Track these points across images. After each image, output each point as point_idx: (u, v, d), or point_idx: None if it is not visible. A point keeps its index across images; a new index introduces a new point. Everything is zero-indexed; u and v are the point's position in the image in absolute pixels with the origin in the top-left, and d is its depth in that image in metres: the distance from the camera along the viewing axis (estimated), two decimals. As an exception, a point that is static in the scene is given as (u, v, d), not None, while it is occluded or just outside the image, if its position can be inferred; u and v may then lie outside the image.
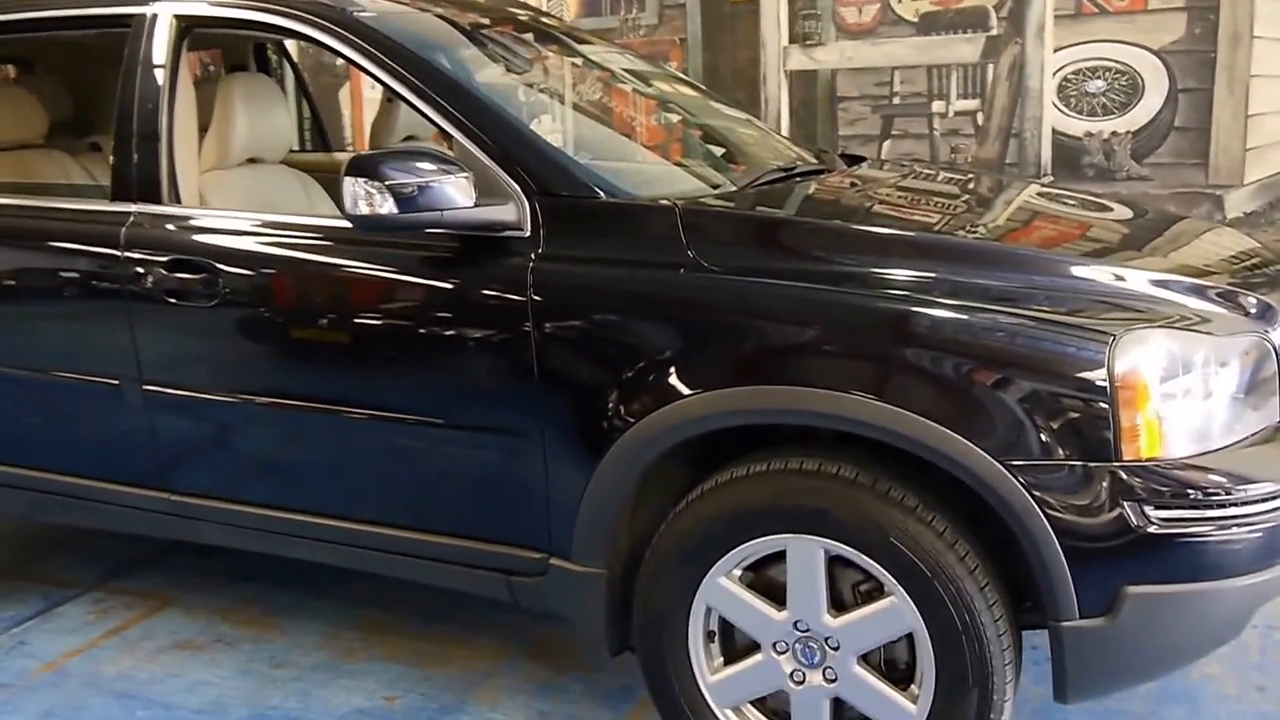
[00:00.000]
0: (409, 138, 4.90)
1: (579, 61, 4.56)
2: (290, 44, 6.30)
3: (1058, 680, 2.85)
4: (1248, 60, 6.33)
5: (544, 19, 4.83)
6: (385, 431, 3.46)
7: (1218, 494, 2.68)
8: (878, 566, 2.89)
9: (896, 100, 7.20)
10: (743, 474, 3.03)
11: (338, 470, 3.61)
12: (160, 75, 3.75)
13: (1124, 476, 2.66)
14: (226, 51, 5.80)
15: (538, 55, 4.44)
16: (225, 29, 4.00)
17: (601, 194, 3.26)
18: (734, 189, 3.69)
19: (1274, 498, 2.72)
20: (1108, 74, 6.65)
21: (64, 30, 4.20)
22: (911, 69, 7.12)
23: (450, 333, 3.30)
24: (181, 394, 3.72)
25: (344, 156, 4.13)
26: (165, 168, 3.73)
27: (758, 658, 3.13)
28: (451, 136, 3.38)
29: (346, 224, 3.22)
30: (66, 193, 4.71)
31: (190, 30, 3.81)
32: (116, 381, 3.78)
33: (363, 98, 8.42)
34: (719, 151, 4.54)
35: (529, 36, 4.41)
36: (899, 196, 3.85)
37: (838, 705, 3.09)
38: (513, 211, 3.22)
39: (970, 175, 4.41)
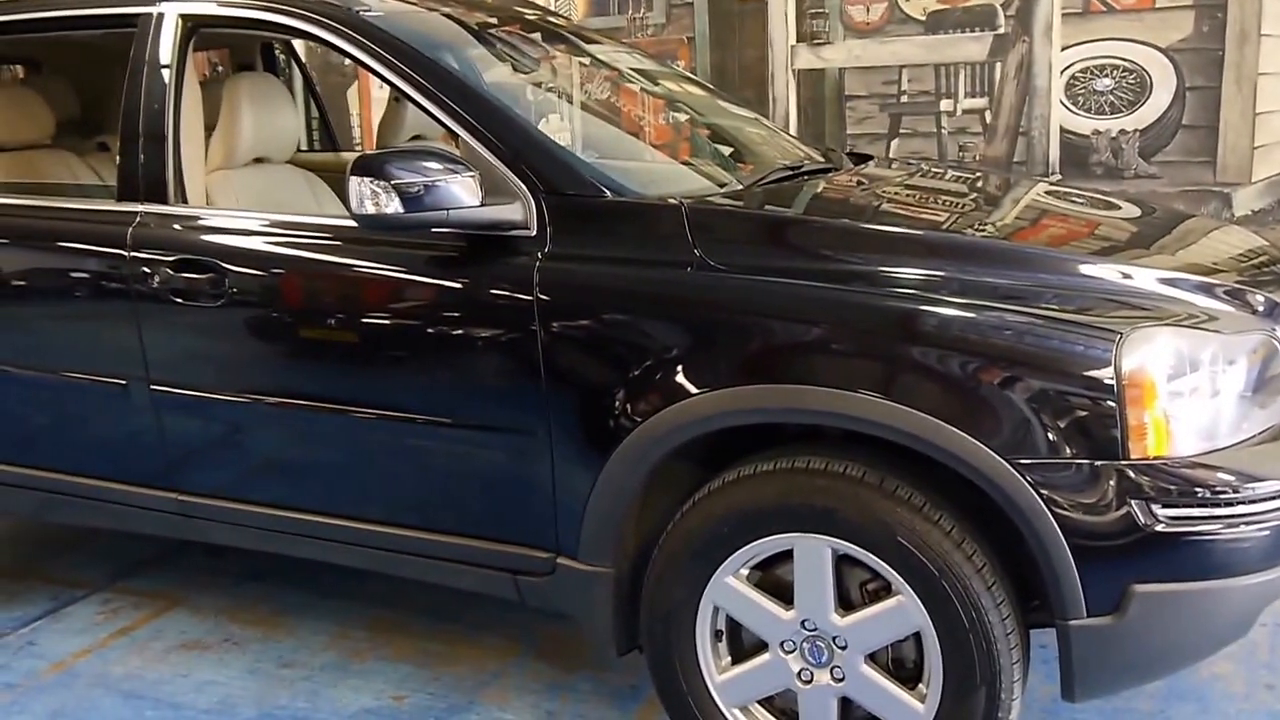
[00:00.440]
0: (416, 137, 4.91)
1: (586, 61, 4.56)
2: (298, 44, 6.30)
3: (1065, 679, 2.84)
4: (1256, 58, 6.32)
5: (551, 18, 4.82)
6: (392, 431, 3.46)
7: (1225, 492, 2.67)
8: (885, 565, 2.89)
9: (904, 99, 7.19)
10: (750, 473, 3.02)
11: (345, 470, 3.61)
12: (166, 75, 3.75)
13: (1131, 475, 2.66)
14: (234, 51, 5.80)
15: (545, 54, 4.44)
16: (231, 28, 3.99)
17: (608, 193, 3.25)
18: (741, 188, 3.69)
19: (1282, 496, 2.71)
20: (1116, 72, 6.64)
21: (70, 30, 4.21)
22: (919, 67, 7.11)
23: (457, 332, 3.30)
24: (189, 394, 3.72)
25: (351, 156, 4.13)
26: (172, 167, 3.73)
27: (765, 657, 3.13)
28: (458, 136, 3.38)
29: (353, 224, 3.23)
30: (73, 193, 4.71)
31: (196, 30, 3.81)
32: (124, 381, 3.79)
33: (370, 97, 8.42)
34: (727, 150, 4.53)
35: (536, 36, 4.41)
36: (907, 195, 3.84)
37: (845, 704, 3.08)
38: (519, 211, 3.22)
39: (978, 174, 4.41)
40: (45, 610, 4.59)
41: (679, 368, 3.02)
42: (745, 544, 3.04)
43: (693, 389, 2.99)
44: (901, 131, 7.21)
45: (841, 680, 3.04)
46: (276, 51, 5.85)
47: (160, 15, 3.80)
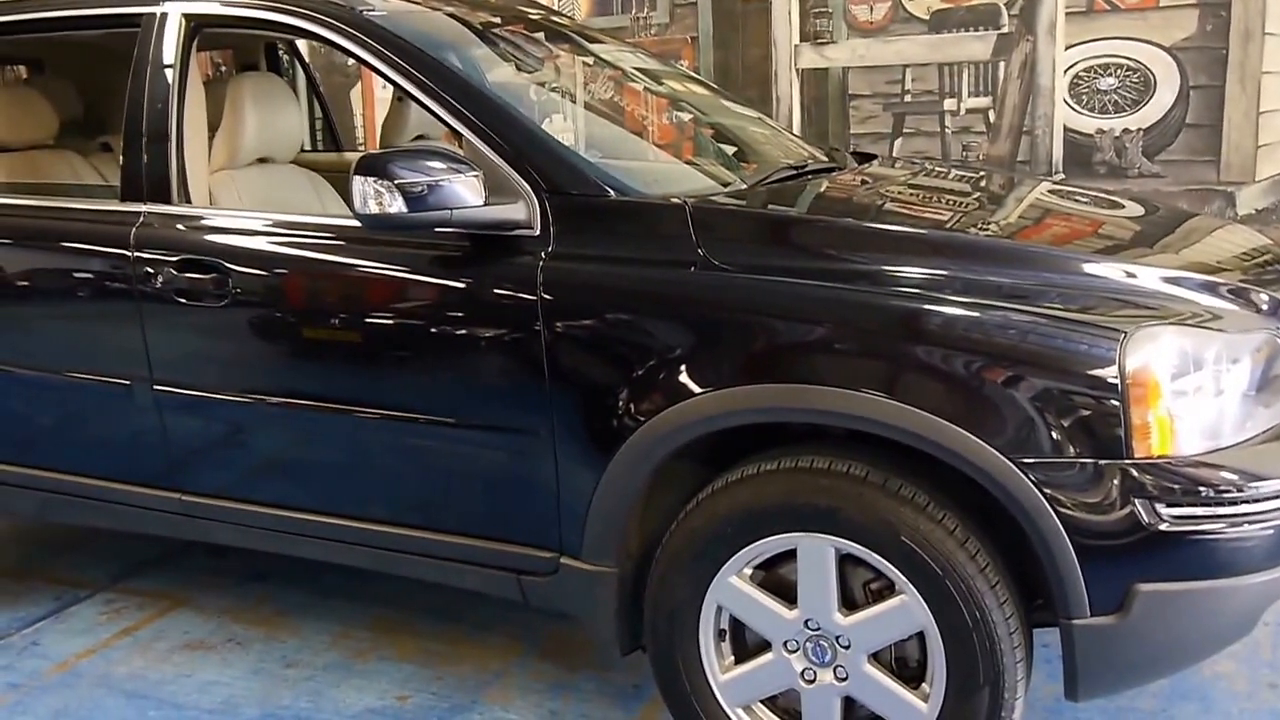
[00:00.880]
0: (419, 137, 4.91)
1: (590, 60, 4.56)
2: (302, 44, 6.30)
3: (1068, 678, 2.84)
4: (1259, 57, 6.31)
5: (555, 18, 4.82)
6: (395, 431, 3.46)
7: (1229, 491, 2.67)
8: (888, 565, 2.89)
9: (908, 98, 7.19)
10: (753, 472, 3.02)
11: (348, 469, 3.61)
12: (170, 75, 3.75)
13: (1135, 474, 2.65)
14: (238, 51, 5.80)
15: (549, 54, 4.43)
16: (235, 28, 3.99)
17: (612, 192, 3.25)
18: (744, 187, 3.69)
19: (1285, 495, 2.71)
20: (1119, 71, 6.63)
21: (73, 30, 4.21)
22: (923, 67, 7.11)
23: (460, 332, 3.30)
24: (192, 394, 3.72)
25: (355, 156, 4.13)
26: (175, 167, 3.73)
27: (769, 656, 3.13)
28: (461, 135, 3.38)
29: (356, 224, 3.23)
30: (77, 193, 4.71)
31: (200, 30, 3.81)
32: (127, 382, 3.79)
33: (374, 97, 8.43)
34: (730, 150, 4.53)
35: (540, 35, 4.41)
36: (910, 194, 3.84)
37: (849, 704, 3.08)
38: (523, 210, 3.22)
39: (982, 173, 4.40)
40: (49, 610, 4.60)
41: (682, 367, 3.02)
42: (749, 543, 3.04)
43: (696, 388, 2.99)
44: (905, 131, 7.21)
45: (845, 680, 3.04)
46: (280, 52, 5.86)
47: (163, 15, 3.80)
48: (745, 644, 3.20)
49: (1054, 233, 3.55)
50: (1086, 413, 2.67)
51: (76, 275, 3.88)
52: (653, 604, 3.22)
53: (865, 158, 4.45)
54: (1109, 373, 2.65)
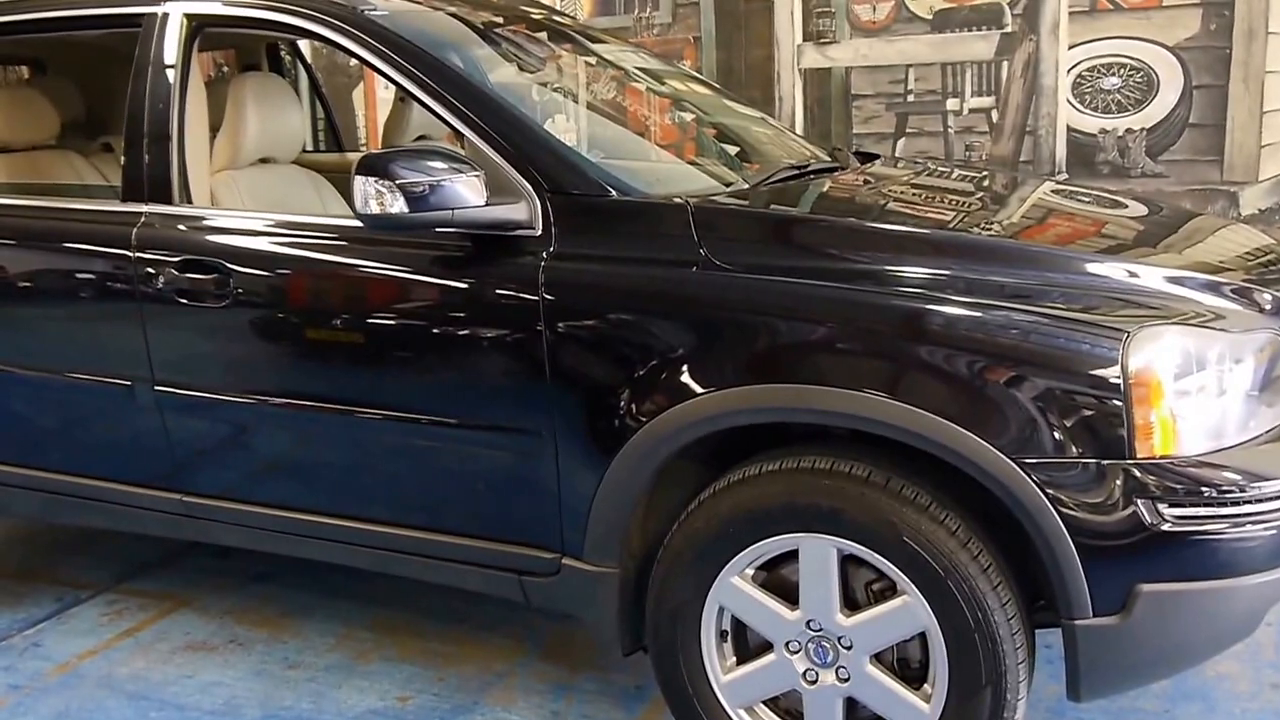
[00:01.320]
0: (421, 137, 4.91)
1: (593, 60, 4.56)
2: (304, 44, 6.30)
3: (1071, 678, 2.84)
4: (1263, 56, 6.31)
5: (557, 18, 4.82)
6: (397, 431, 3.45)
7: (1232, 491, 2.66)
8: (890, 565, 2.88)
9: (911, 98, 7.19)
10: (755, 473, 3.02)
11: (349, 470, 3.61)
12: (171, 75, 3.75)
13: (1138, 474, 2.65)
14: (240, 52, 5.81)
15: (551, 54, 4.43)
16: (236, 28, 3.99)
17: (613, 192, 3.25)
18: (746, 187, 3.68)
19: (1288, 495, 2.70)
20: (1123, 70, 6.62)
21: (74, 30, 4.21)
22: (926, 66, 7.10)
23: (462, 332, 3.30)
24: (193, 395, 3.71)
25: (357, 156, 4.13)
26: (176, 168, 3.73)
27: (770, 657, 3.12)
28: (463, 135, 3.37)
29: (358, 224, 3.22)
30: (78, 193, 4.71)
31: (201, 30, 3.81)
32: (129, 382, 3.78)
33: (376, 98, 8.43)
34: (733, 150, 4.53)
35: (542, 35, 4.41)
36: (913, 194, 3.83)
37: (851, 705, 3.08)
38: (524, 210, 3.21)
39: (984, 173, 4.40)
40: (50, 611, 4.60)
41: (684, 367, 3.01)
42: (751, 544, 3.03)
43: (698, 388, 2.99)
44: (908, 131, 7.20)
45: (847, 680, 3.03)
46: (282, 52, 5.85)
47: (164, 15, 3.80)
48: (747, 645, 3.20)
49: (1057, 232, 3.54)
50: (1089, 413, 2.67)
51: (78, 276, 3.88)
52: (654, 604, 3.22)
53: (868, 157, 4.45)
54: (1111, 372, 2.65)
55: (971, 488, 2.80)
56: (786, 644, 3.08)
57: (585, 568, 3.27)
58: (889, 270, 2.95)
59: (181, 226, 3.69)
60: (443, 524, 3.51)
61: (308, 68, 6.41)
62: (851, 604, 3.01)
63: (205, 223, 3.71)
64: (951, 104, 7.07)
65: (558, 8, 7.51)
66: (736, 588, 3.09)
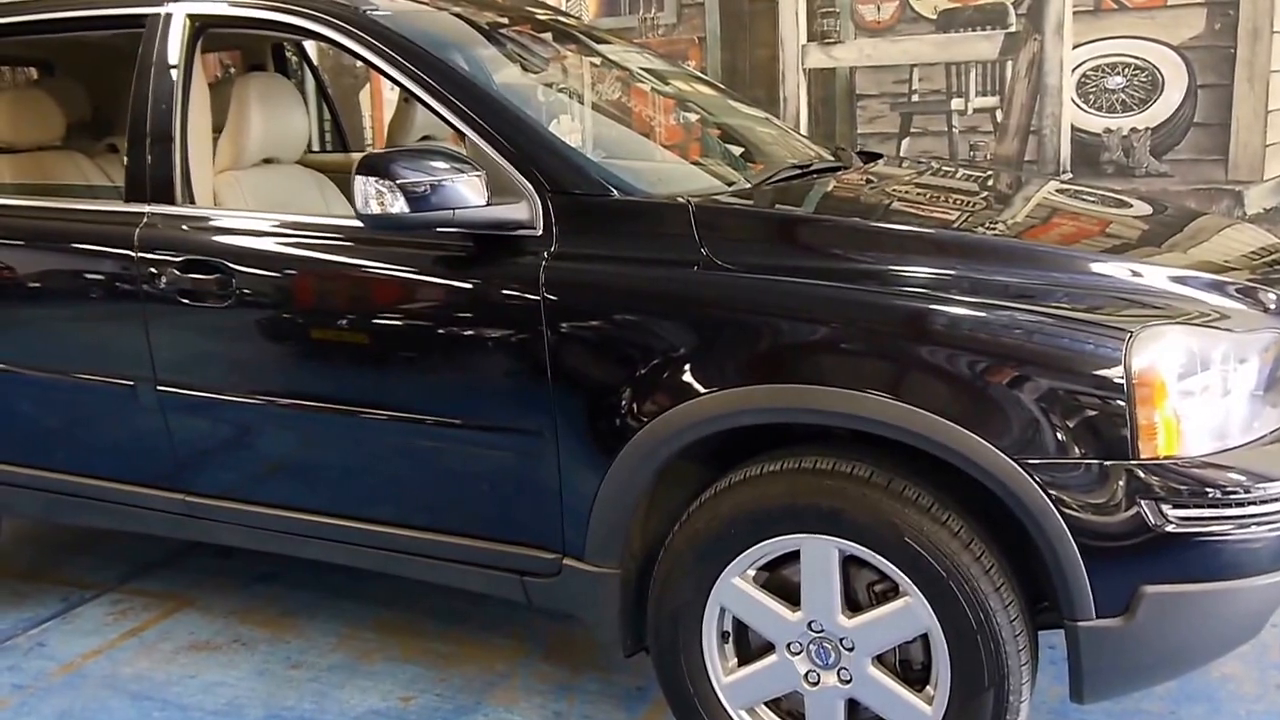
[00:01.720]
0: (425, 137, 4.90)
1: (597, 61, 4.55)
2: (309, 45, 6.30)
3: (1074, 680, 2.83)
4: (1268, 55, 6.29)
5: (562, 18, 4.81)
6: (398, 431, 3.45)
7: (1236, 492, 2.65)
8: (892, 566, 2.88)
9: (915, 98, 7.17)
10: (757, 473, 3.01)
11: (351, 471, 3.61)
12: (174, 75, 3.75)
13: (1141, 475, 2.64)
14: (245, 53, 5.81)
15: (556, 54, 4.43)
16: (239, 29, 4.01)
17: (615, 192, 3.24)
18: (749, 186, 3.68)
19: (1293, 496, 2.69)
20: (1127, 70, 6.61)
21: (78, 31, 4.21)
22: (930, 66, 7.09)
23: (463, 332, 3.29)
24: (196, 395, 3.72)
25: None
26: (179, 168, 3.73)
27: (772, 659, 3.12)
28: (464, 135, 3.37)
29: (359, 224, 3.22)
30: (83, 194, 4.71)
31: (204, 30, 3.81)
32: (131, 382, 3.79)
33: (382, 98, 8.42)
34: (737, 150, 4.52)
35: (547, 36, 4.40)
36: (917, 194, 3.82)
37: (852, 706, 3.07)
38: (525, 210, 3.21)
39: (989, 172, 4.39)
40: (55, 611, 4.60)
41: (686, 367, 3.01)
42: (752, 545, 3.03)
43: (700, 389, 2.98)
44: (912, 130, 7.19)
45: (848, 682, 3.02)
46: (288, 53, 5.85)
47: (168, 15, 3.80)
48: (749, 646, 3.20)
49: (1061, 232, 3.54)
50: (1092, 413, 2.66)
51: (81, 276, 3.88)
52: (656, 605, 3.21)
53: (871, 157, 4.44)
54: (1115, 373, 2.64)
55: (974, 488, 2.79)
56: (788, 645, 3.08)
57: (586, 568, 3.27)
58: (892, 270, 2.94)
59: (184, 227, 3.69)
60: (444, 524, 3.51)
61: (313, 68, 6.41)
62: (853, 605, 3.01)
63: (208, 223, 3.71)
64: (956, 104, 7.05)
65: (563, 8, 7.51)
66: (738, 588, 3.09)
